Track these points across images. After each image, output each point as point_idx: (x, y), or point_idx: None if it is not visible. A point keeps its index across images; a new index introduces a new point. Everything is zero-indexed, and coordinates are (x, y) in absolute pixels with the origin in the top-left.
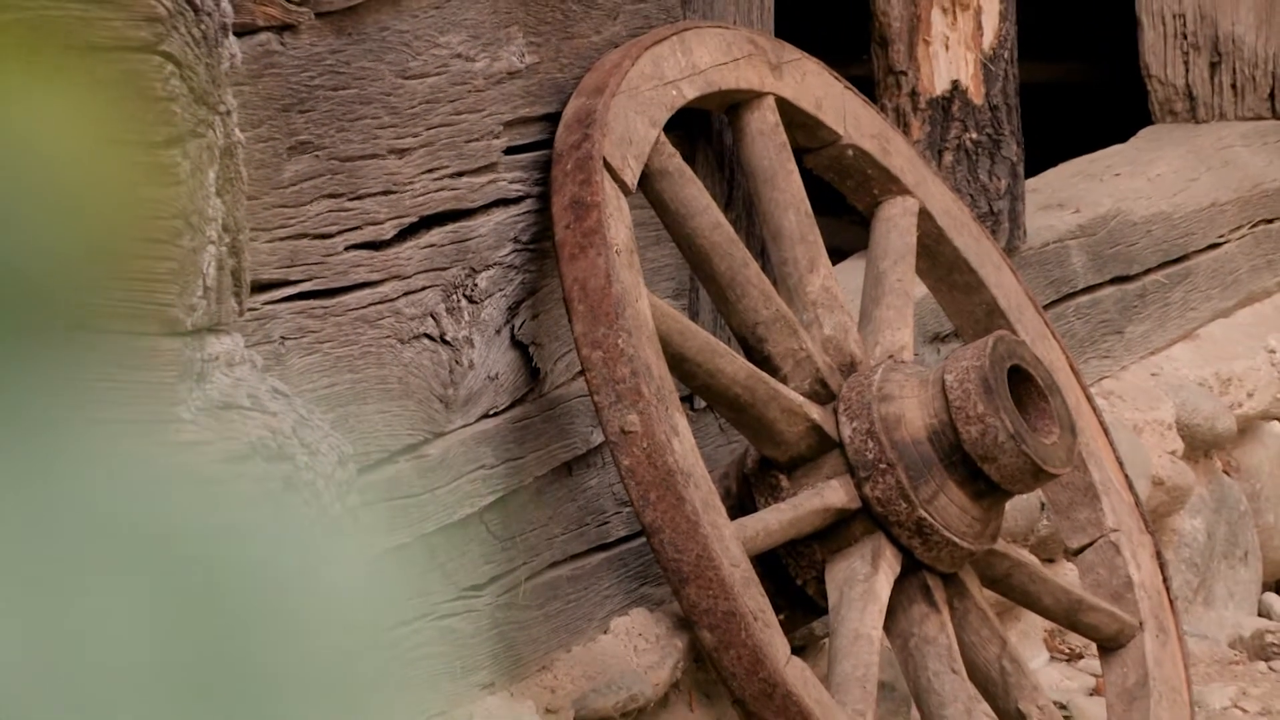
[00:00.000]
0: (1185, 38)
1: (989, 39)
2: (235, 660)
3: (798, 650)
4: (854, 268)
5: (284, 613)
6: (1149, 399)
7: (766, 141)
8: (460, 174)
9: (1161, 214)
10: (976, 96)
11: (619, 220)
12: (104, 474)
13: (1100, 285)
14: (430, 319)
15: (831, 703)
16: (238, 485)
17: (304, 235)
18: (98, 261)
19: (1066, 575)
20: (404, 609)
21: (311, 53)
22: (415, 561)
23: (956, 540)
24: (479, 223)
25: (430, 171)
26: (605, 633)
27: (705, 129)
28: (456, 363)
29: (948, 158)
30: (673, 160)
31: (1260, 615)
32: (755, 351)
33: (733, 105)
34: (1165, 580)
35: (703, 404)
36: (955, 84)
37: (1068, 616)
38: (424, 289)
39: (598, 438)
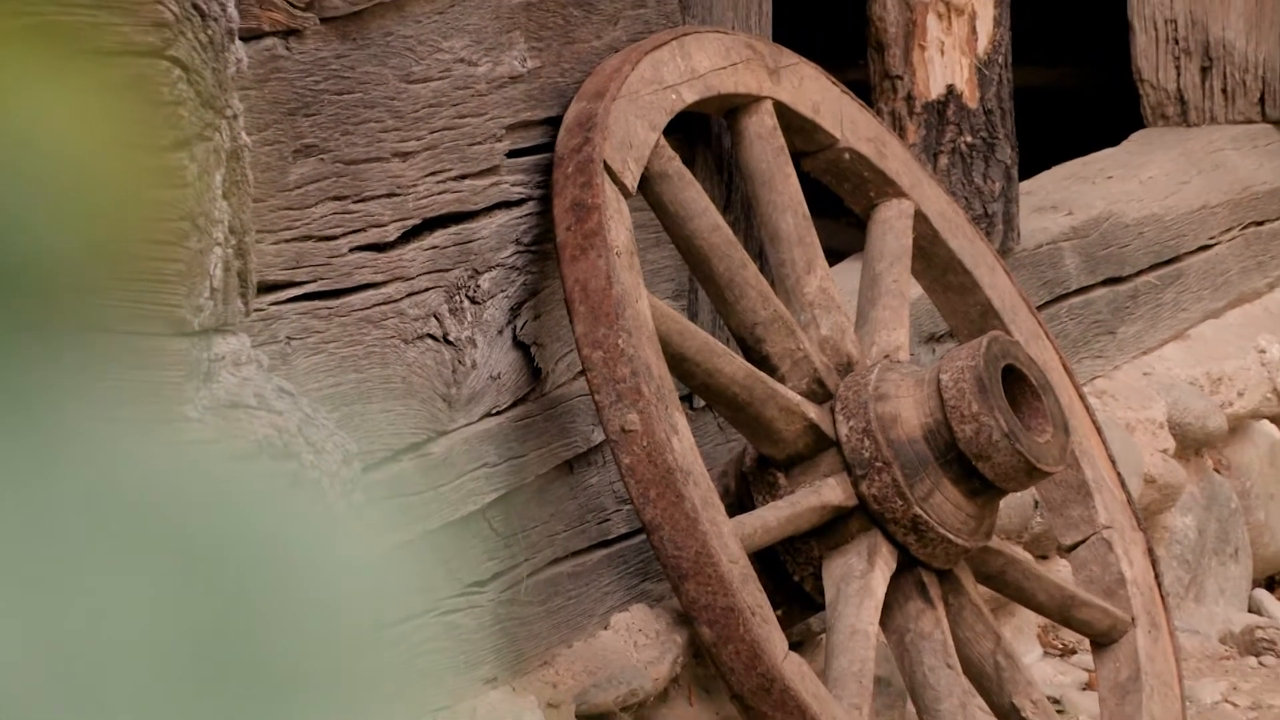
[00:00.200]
0: (1177, 43)
1: (983, 44)
2: (240, 655)
3: (795, 646)
4: (851, 269)
5: (289, 607)
6: (1141, 398)
7: (764, 145)
8: (463, 177)
9: (1153, 216)
10: (971, 100)
11: (619, 222)
12: (110, 470)
13: (1093, 286)
14: (434, 319)
15: (828, 697)
16: (244, 483)
17: (309, 237)
18: (106, 263)
19: (1060, 572)
20: (408, 604)
21: (316, 58)
22: (419, 558)
23: (951, 537)
24: (481, 225)
25: (433, 174)
26: (606, 628)
27: (704, 133)
28: (459, 362)
29: (943, 161)
30: (672, 163)
31: (1250, 611)
32: (753, 351)
33: (731, 109)
34: (1157, 577)
35: (702, 403)
36: (950, 88)
37: (1061, 612)
38: (427, 290)
39: (598, 436)
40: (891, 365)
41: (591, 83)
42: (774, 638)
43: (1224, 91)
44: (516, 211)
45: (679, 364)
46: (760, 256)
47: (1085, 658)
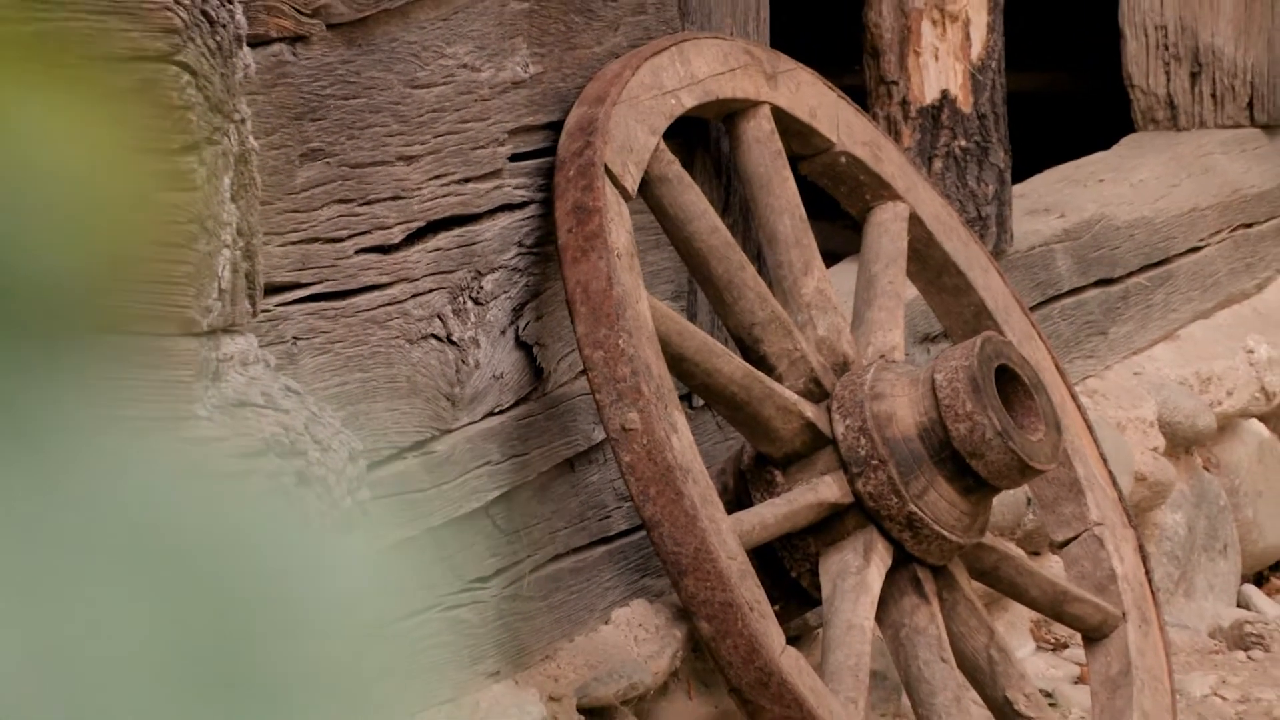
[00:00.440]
0: (1167, 49)
1: (977, 50)
2: (239, 666)
3: (792, 640)
4: (847, 270)
5: (288, 617)
6: (1132, 397)
7: (762, 149)
8: (466, 180)
9: (1144, 219)
10: (965, 105)
11: (620, 225)
12: (110, 482)
13: (1084, 287)
14: (437, 320)
15: (825, 690)
16: (252, 480)
17: (315, 239)
18: (116, 265)
19: (1052, 568)
20: (412, 600)
21: (323, 63)
22: (423, 554)
23: (946, 534)
24: (485, 227)
25: (437, 178)
26: (607, 623)
27: (703, 137)
28: (463, 362)
29: (937, 164)
30: (672, 167)
31: (1239, 606)
32: (751, 351)
33: (730, 114)
34: (1147, 572)
35: (701, 402)
36: (945, 93)
37: (1053, 607)
38: (431, 291)
39: (599, 435)
40: (887, 365)
41: (592, 88)
42: (771, 632)
43: (1213, 96)
44: (519, 214)
45: (678, 364)
46: (758, 258)
47: (1077, 652)
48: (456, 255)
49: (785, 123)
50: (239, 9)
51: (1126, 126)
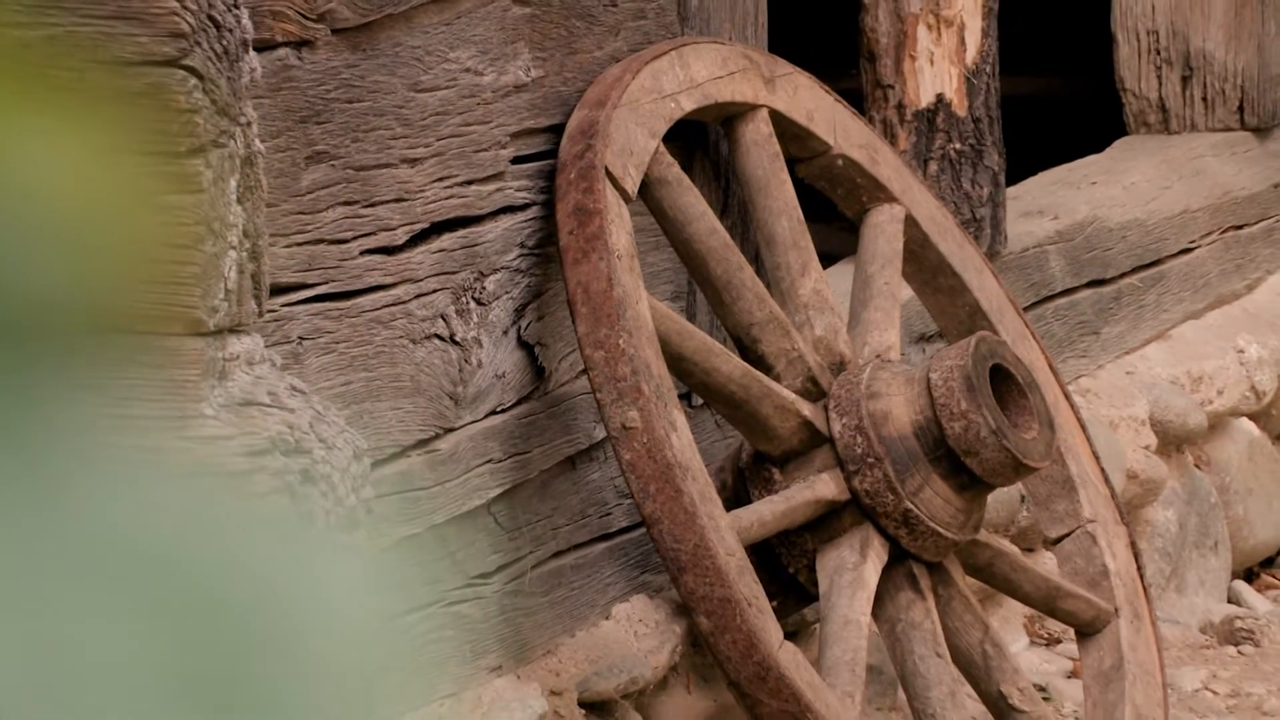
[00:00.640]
0: (1158, 53)
1: (972, 54)
2: (241, 662)
3: (790, 635)
4: (844, 272)
5: (289, 616)
6: (1124, 396)
7: (760, 152)
8: (469, 182)
9: (1136, 221)
10: (960, 109)
11: (620, 226)
12: (114, 482)
13: (1077, 288)
14: (441, 320)
15: (822, 685)
16: (257, 478)
17: (320, 240)
18: (123, 266)
19: (1045, 564)
20: (416, 596)
21: (328, 67)
22: (426, 551)
23: (941, 531)
24: (487, 229)
25: (441, 180)
26: (607, 619)
27: (702, 140)
28: (466, 362)
29: (933, 167)
30: (671, 169)
31: (1230, 602)
32: (750, 351)
33: (728, 117)
34: (1139, 568)
35: (700, 401)
36: (940, 97)
37: (1047, 603)
38: (435, 292)
39: (600, 433)
40: (883, 365)
41: (593, 92)
42: (769, 628)
43: (1204, 100)
44: (521, 216)
45: (678, 363)
46: (756, 259)
47: (1070, 647)
48: (459, 256)
49: (783, 126)
50: (245, 14)
51: (1119, 130)
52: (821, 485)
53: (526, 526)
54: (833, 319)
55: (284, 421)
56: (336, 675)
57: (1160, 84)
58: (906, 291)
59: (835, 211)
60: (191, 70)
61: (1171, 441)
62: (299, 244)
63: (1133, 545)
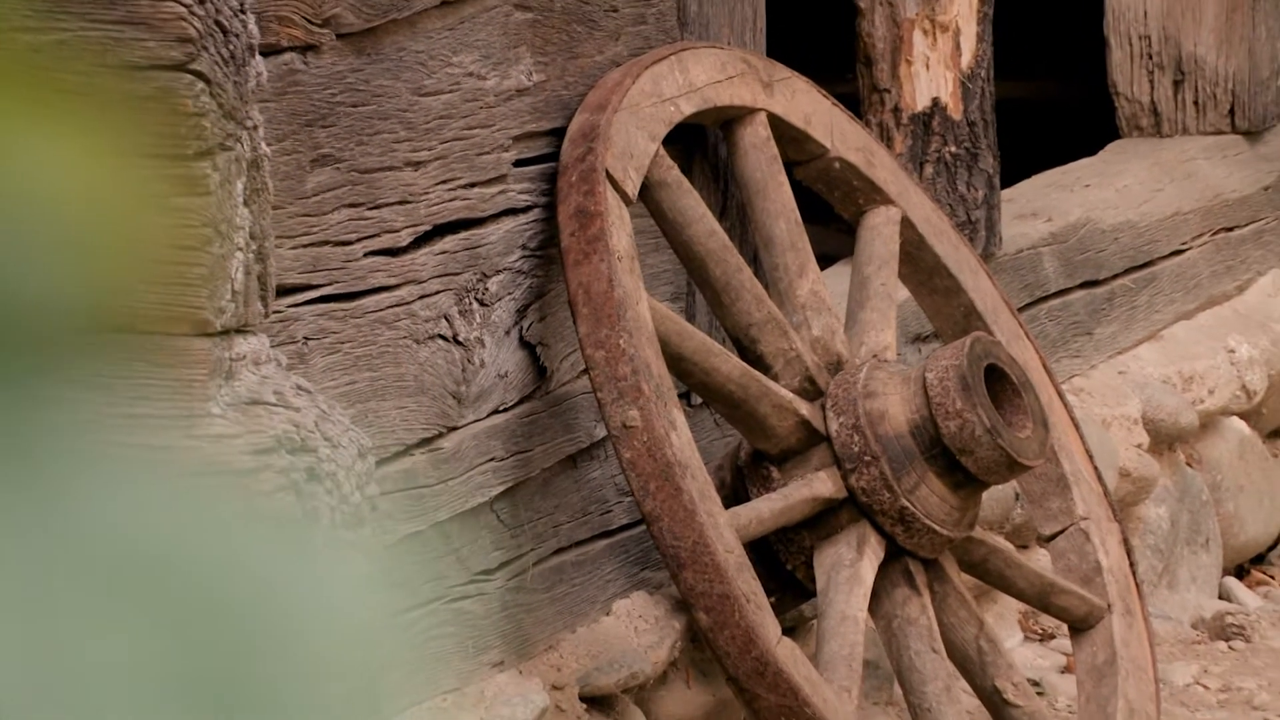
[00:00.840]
0: (1150, 58)
1: (967, 59)
2: (245, 664)
3: (788, 631)
4: (840, 273)
5: (291, 617)
6: (1117, 396)
7: (759, 155)
8: (472, 185)
9: (1128, 223)
10: (955, 112)
11: (620, 228)
12: (119, 483)
13: (1071, 289)
14: (444, 321)
15: (819, 680)
16: (263, 476)
17: (326, 242)
18: (131, 268)
19: (1039, 560)
20: (419, 592)
21: (333, 71)
22: (430, 548)
23: (936, 528)
24: (490, 231)
25: (444, 183)
26: (608, 614)
27: (701, 143)
28: (469, 362)
29: (928, 170)
30: (671, 172)
31: (1221, 598)
32: (748, 351)
33: (727, 121)
34: (1132, 565)
35: (699, 400)
36: (935, 101)
37: (1040, 599)
38: (438, 293)
39: (600, 432)
40: (879, 364)
41: (594, 96)
42: (768, 623)
43: (1195, 104)
44: (523, 218)
45: (677, 363)
46: (754, 261)
47: (1064, 642)
48: (462, 258)
49: (781, 129)
50: (251, 19)
51: (1112, 133)
52: (819, 483)
53: (528, 524)
54: (830, 319)
55: (290, 420)
56: (341, 671)
57: (1152, 88)
58: (903, 292)
59: (832, 213)
60: (199, 75)
61: (1163, 440)
62: (304, 246)
63: (1125, 542)
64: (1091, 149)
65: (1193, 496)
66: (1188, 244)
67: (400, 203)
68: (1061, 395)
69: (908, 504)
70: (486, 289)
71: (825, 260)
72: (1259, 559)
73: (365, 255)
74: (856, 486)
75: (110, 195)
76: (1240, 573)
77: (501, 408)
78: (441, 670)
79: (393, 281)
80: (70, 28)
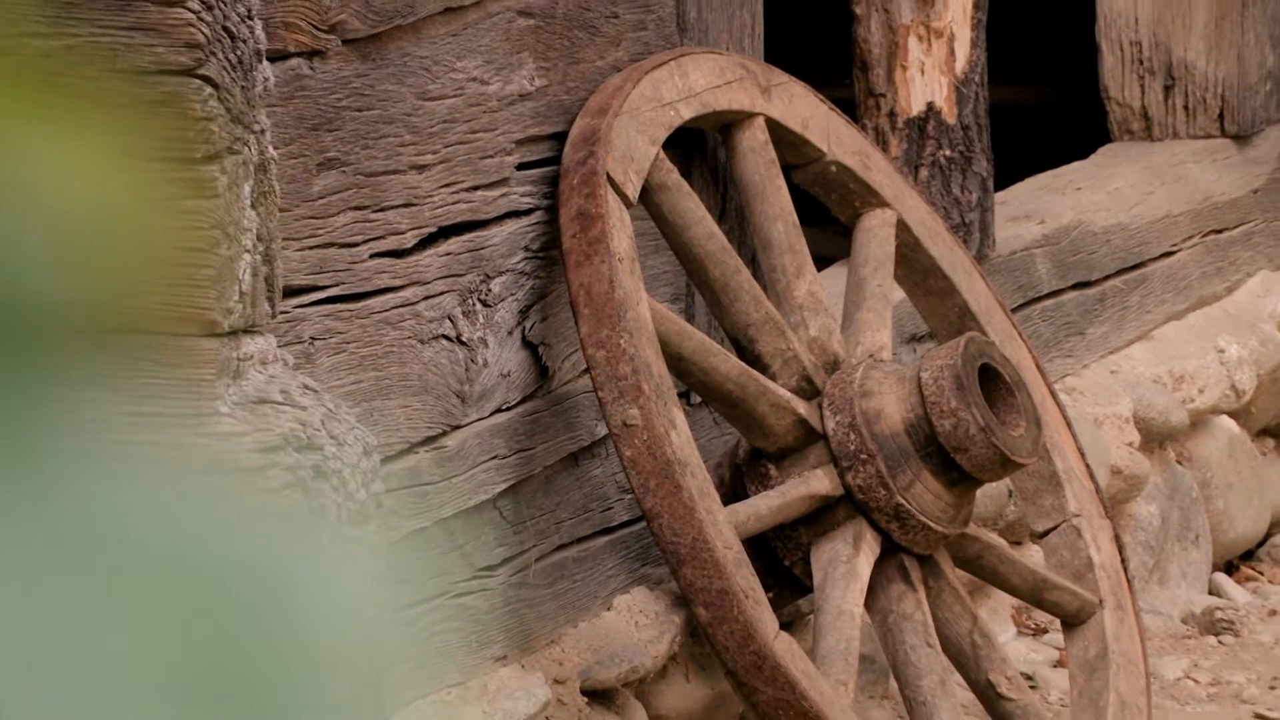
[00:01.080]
0: (1141, 63)
1: (961, 64)
2: (252, 655)
3: (785, 626)
4: (837, 274)
5: (299, 612)
6: (1108, 395)
7: (757, 158)
8: (475, 188)
9: (1120, 225)
10: (950, 117)
11: (621, 230)
12: (128, 480)
13: (1063, 290)
14: (448, 321)
15: (816, 673)
16: (271, 473)
17: (331, 244)
18: (141, 269)
19: (1032, 557)
20: (424, 588)
21: (339, 76)
22: (434, 544)
23: (931, 525)
24: (493, 233)
25: (448, 186)
26: (609, 610)
27: (701, 147)
28: (472, 361)
29: (923, 173)
30: (671, 175)
31: (1210, 594)
32: (746, 351)
33: (726, 125)
34: (1123, 561)
35: (698, 399)
36: (930, 105)
37: (1033, 595)
38: (442, 294)
39: (601, 430)
40: (875, 364)
41: (595, 100)
42: (765, 618)
43: (1185, 108)
44: (525, 220)
45: (677, 363)
46: (753, 262)
47: (1056, 637)
48: (466, 259)
49: (779, 133)
50: (259, 25)
51: (1103, 137)
52: (816, 481)
53: (531, 520)
54: (827, 320)
55: (296, 419)
56: (348, 665)
57: (1143, 93)
58: (898, 293)
59: (829, 216)
60: (207, 79)
61: (1154, 438)
62: (311, 247)
63: (1117, 539)
64: (1083, 153)
65: (1183, 494)
66: (1178, 246)
67: (405, 205)
68: (1054, 394)
69: (903, 501)
70: (490, 290)
71: (822, 262)
72: (1248, 555)
73: (370, 257)
74: (853, 484)
75: (119, 198)
76: (1229, 568)
77: (504, 406)
78: (446, 664)
79: (398, 283)
80: (80, 33)
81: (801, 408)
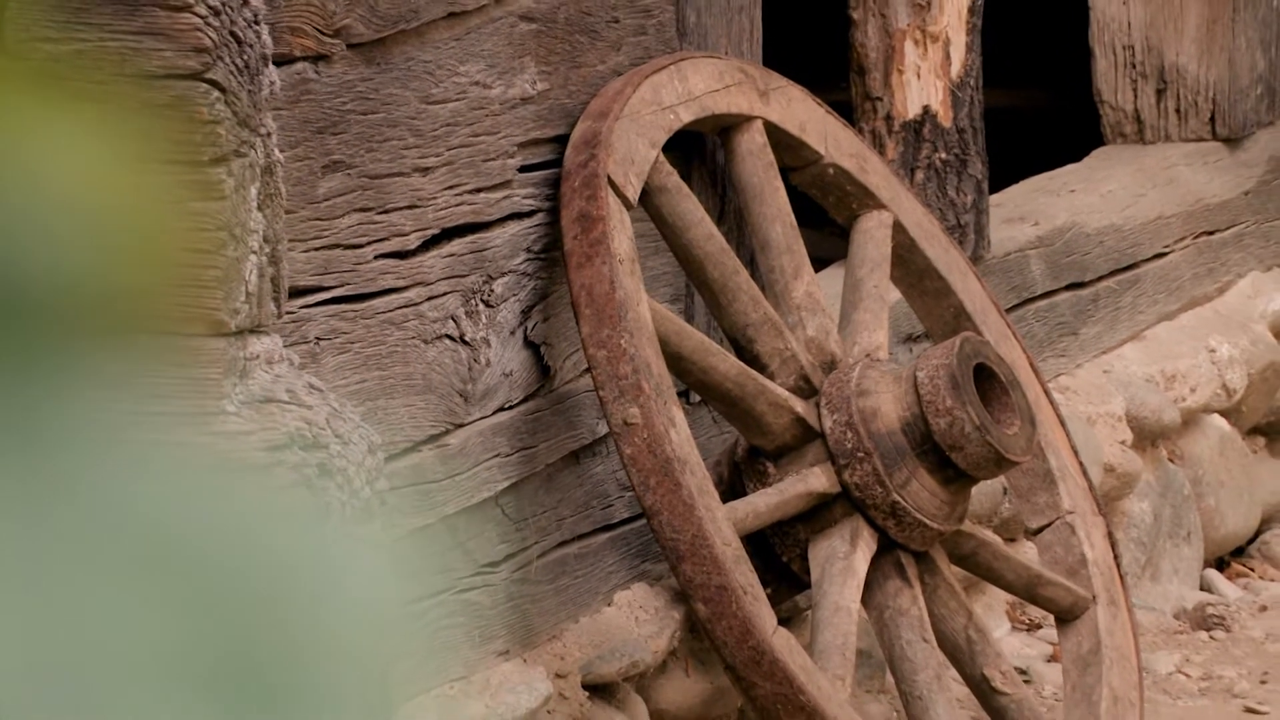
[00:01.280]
0: (1134, 67)
1: (956, 68)
2: (257, 650)
3: (783, 621)
4: (834, 275)
5: (307, 607)
6: (1101, 394)
7: (755, 161)
8: (478, 190)
9: (1113, 226)
10: (945, 120)
11: (622, 232)
12: (136, 476)
13: (1057, 291)
14: (451, 321)
15: (814, 668)
16: (277, 471)
17: (336, 245)
18: (149, 270)
19: (1026, 553)
20: (428, 584)
21: (343, 80)
22: (438, 541)
23: (927, 522)
24: (495, 234)
25: (451, 188)
26: (609, 605)
27: (700, 149)
28: (475, 361)
29: (919, 175)
30: (670, 178)
31: (1202, 589)
32: (745, 351)
33: (725, 128)
34: (1116, 557)
35: (698, 398)
36: (926, 109)
37: (1028, 590)
38: (445, 294)
39: (602, 429)
40: (872, 363)
41: (596, 104)
42: (764, 614)
43: (1177, 112)
44: (527, 222)
45: (677, 362)
46: (751, 263)
47: (1050, 632)
48: (469, 260)
49: (777, 136)
50: (265, 30)
51: (1096, 140)
52: (813, 479)
53: (533, 517)
54: (824, 320)
55: (302, 418)
56: (355, 660)
57: (1136, 97)
58: (894, 294)
59: (826, 218)
60: (214, 83)
61: (1147, 437)
62: (316, 249)
63: (1110, 535)
64: (1077, 155)
65: (1175, 491)
66: (1170, 247)
67: (409, 207)
68: (1048, 393)
69: (899, 499)
70: (492, 291)
71: (820, 263)
72: (1239, 551)
73: (375, 258)
74: (850, 482)
75: (128, 200)
76: (1221, 565)
77: (507, 405)
78: (450, 659)
79: (401, 283)
80: (90, 38)
81: (799, 406)
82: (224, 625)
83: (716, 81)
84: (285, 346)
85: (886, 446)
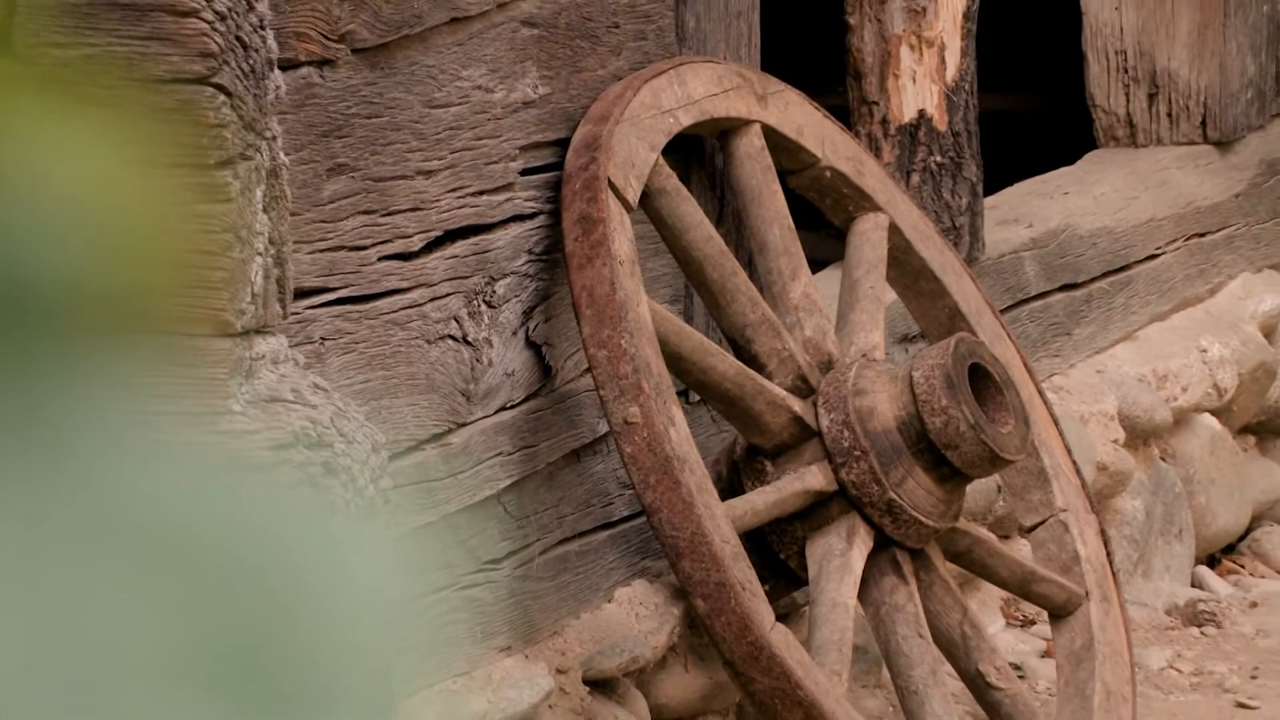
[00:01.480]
0: (1126, 71)
1: (951, 73)
2: (262, 646)
3: (781, 617)
4: (831, 276)
5: (311, 603)
6: (1094, 393)
7: (753, 164)
8: (480, 193)
9: (1105, 228)
10: (940, 124)
11: (622, 234)
12: (134, 468)
13: (1051, 292)
14: (454, 322)
15: (811, 663)
16: (282, 470)
17: (341, 247)
18: (155, 272)
19: (1021, 550)
20: (431, 580)
21: (348, 85)
22: (441, 538)
23: (923, 519)
24: (497, 236)
25: (454, 191)
26: (610, 602)
27: (699, 153)
28: (477, 361)
29: (915, 178)
30: (670, 181)
31: (1193, 586)
32: (744, 351)
33: (723, 132)
34: (1109, 554)
35: (697, 398)
36: (922, 113)
37: (1022, 587)
38: (448, 295)
39: (603, 428)
40: (868, 363)
41: (597, 108)
42: (762, 610)
43: (1169, 116)
44: (529, 224)
45: (676, 362)
46: (750, 265)
47: (1044, 628)
48: (471, 262)
49: (775, 140)
50: (270, 35)
51: (1089, 144)
52: (811, 477)
53: (534, 515)
54: (821, 321)
55: (307, 417)
56: (357, 655)
57: (1128, 101)
58: (890, 295)
59: (824, 220)
60: (220, 88)
61: (1139, 436)
62: (321, 250)
63: (1102, 533)
64: (1070, 159)
65: (1166, 489)
66: (1162, 249)
67: (412, 209)
68: (1042, 393)
69: (895, 497)
70: (494, 292)
71: (817, 265)
72: (1229, 549)
73: (379, 260)
74: (846, 480)
75: (134, 202)
76: (1212, 562)
77: (508, 405)
78: (453, 654)
79: (405, 284)
80: (98, 43)
81: (797, 406)
82: (227, 622)
83: (715, 86)
84: (290, 347)
85: (883, 445)
